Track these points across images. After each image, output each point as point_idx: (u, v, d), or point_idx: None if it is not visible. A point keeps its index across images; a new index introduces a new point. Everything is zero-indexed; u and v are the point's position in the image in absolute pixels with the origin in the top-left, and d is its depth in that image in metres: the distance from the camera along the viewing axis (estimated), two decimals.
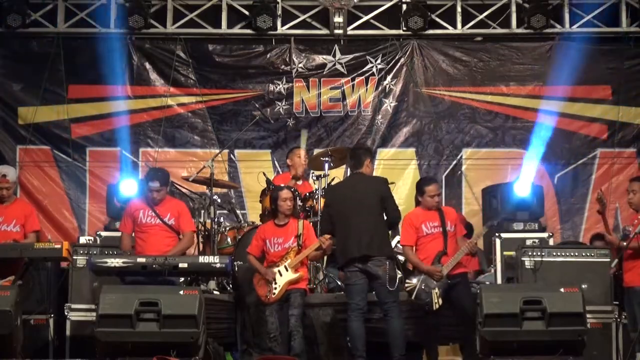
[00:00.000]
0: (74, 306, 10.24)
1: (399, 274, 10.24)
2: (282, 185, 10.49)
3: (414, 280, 9.71)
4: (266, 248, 9.78)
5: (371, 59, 13.65)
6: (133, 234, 10.05)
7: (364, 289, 9.37)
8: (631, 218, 10.33)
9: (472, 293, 9.82)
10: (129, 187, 11.45)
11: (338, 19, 13.39)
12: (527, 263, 10.19)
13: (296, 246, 9.70)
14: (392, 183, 11.22)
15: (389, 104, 13.65)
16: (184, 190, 12.08)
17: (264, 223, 11.02)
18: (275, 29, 13.46)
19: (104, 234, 11.22)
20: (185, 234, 10.01)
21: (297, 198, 10.95)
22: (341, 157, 11.47)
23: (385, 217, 9.53)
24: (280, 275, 9.62)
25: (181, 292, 8.79)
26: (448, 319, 9.82)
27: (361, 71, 13.66)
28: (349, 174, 9.89)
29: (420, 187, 10.08)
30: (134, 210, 10.06)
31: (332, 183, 10.70)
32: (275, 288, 9.61)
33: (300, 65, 13.66)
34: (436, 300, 9.62)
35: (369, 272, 9.32)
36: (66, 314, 10.21)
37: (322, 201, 10.54)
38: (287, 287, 9.62)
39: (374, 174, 12.75)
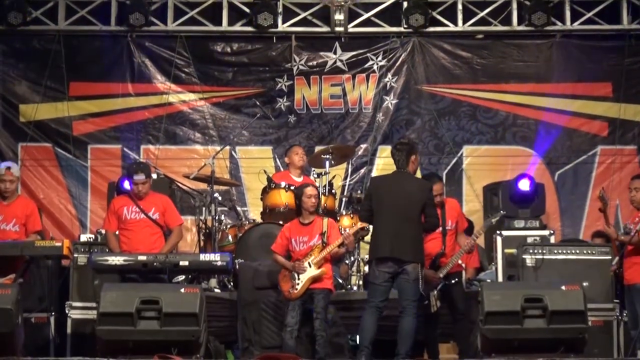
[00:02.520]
0: (74, 304, 10.25)
1: None
2: (307, 183, 10.42)
3: None
4: (291, 247, 9.70)
5: (372, 57, 13.65)
6: (117, 232, 10.05)
7: (387, 291, 9.25)
8: (632, 215, 10.31)
9: (465, 293, 9.89)
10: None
11: (339, 17, 13.39)
12: (528, 261, 10.20)
13: (320, 243, 9.64)
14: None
15: (390, 101, 13.64)
16: (185, 187, 12.07)
17: (264, 221, 11.05)
18: (276, 26, 13.45)
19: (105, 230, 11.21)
20: (174, 228, 10.03)
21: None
22: (342, 155, 11.45)
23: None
24: (305, 270, 9.61)
25: (182, 290, 8.78)
26: (448, 317, 9.81)
27: (362, 68, 13.66)
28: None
29: None
30: (118, 207, 10.07)
31: (377, 175, 10.53)
32: (298, 284, 9.56)
33: (301, 62, 13.65)
34: (434, 303, 9.63)
35: (396, 274, 9.17)
36: (67, 312, 10.21)
37: (323, 199, 10.53)
38: (311, 284, 9.59)
39: (374, 171, 12.88)
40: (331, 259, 9.67)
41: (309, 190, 9.79)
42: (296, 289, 9.61)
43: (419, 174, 10.37)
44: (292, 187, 11.03)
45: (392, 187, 9.39)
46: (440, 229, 9.79)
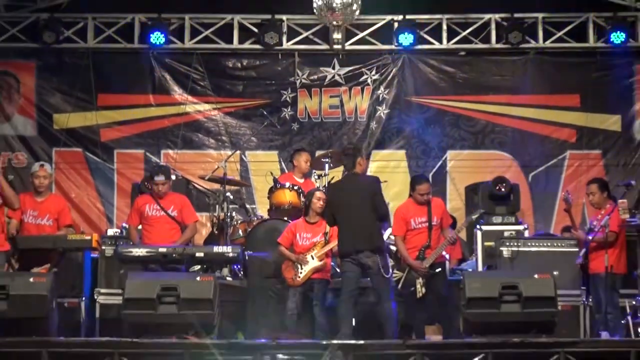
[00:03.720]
0: (102, 291, 10.30)
1: (390, 262, 10.28)
2: (317, 187, 10.61)
3: (401, 272, 9.80)
4: (295, 241, 9.79)
5: (366, 71, 13.64)
6: (140, 227, 10.07)
7: (356, 278, 9.34)
8: (595, 213, 10.40)
9: (448, 281, 9.92)
10: None
11: (337, 36, 13.39)
12: (504, 252, 10.25)
13: (323, 241, 9.72)
14: (385, 181, 11.26)
15: (382, 111, 13.64)
16: (200, 187, 12.10)
17: (271, 217, 11.07)
18: (281, 44, 13.45)
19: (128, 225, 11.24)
20: (189, 225, 10.06)
21: (300, 195, 10.99)
22: (339, 159, 11.46)
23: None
24: (307, 262, 9.64)
25: (198, 279, 8.79)
26: (432, 302, 9.82)
27: (357, 82, 13.65)
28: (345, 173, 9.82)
29: (413, 184, 10.12)
30: (140, 204, 10.13)
31: (332, 182, 10.69)
32: (301, 273, 9.66)
33: (304, 76, 13.65)
34: (420, 289, 9.67)
35: (361, 264, 9.29)
36: (96, 297, 10.27)
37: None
38: (312, 275, 9.65)
39: (369, 172, 12.86)
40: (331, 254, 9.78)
41: (319, 194, 9.91)
42: (299, 277, 9.67)
43: (406, 175, 10.42)
44: (296, 187, 11.10)
45: (345, 189, 9.55)
46: (427, 225, 9.86)
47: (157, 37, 13.23)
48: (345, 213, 9.42)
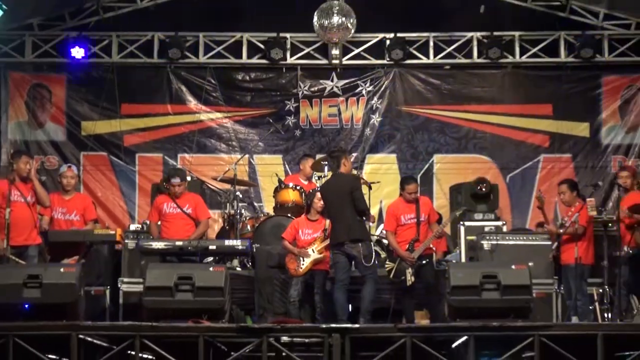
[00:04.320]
0: (125, 280, 10.29)
1: (383, 254, 10.31)
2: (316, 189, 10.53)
3: (393, 263, 9.80)
4: (297, 236, 9.81)
5: (361, 83, 13.64)
6: (159, 223, 10.08)
7: (345, 267, 9.33)
8: (566, 210, 10.41)
9: (435, 271, 9.90)
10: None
11: (335, 52, 13.40)
12: (485, 245, 10.22)
13: (323, 236, 9.73)
14: (378, 182, 11.29)
15: (376, 119, 13.64)
16: (213, 187, 12.09)
17: (276, 214, 11.07)
18: (285, 59, 13.45)
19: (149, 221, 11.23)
20: (202, 221, 10.06)
21: (302, 194, 10.99)
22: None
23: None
24: (308, 255, 9.64)
25: (211, 269, 8.76)
26: (420, 290, 9.84)
27: (353, 93, 13.64)
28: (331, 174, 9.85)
29: (402, 184, 10.12)
30: (159, 203, 10.13)
31: (323, 182, 10.68)
32: (303, 264, 9.67)
33: (305, 88, 13.64)
34: (409, 278, 9.67)
35: (347, 254, 9.29)
36: (119, 286, 10.26)
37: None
38: (313, 266, 9.65)
39: (364, 174, 12.88)
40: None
41: (319, 195, 9.90)
42: (301, 268, 9.68)
43: (397, 177, 10.39)
44: (298, 187, 11.11)
45: (330, 187, 9.61)
46: (416, 220, 9.86)
47: (174, 53, 13.23)
48: (331, 209, 9.50)
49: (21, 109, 13.42)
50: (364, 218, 9.51)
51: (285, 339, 8.21)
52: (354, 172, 10.64)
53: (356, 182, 9.55)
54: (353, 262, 9.35)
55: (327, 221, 9.77)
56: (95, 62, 13.42)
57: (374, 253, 9.32)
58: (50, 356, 8.07)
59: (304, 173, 11.63)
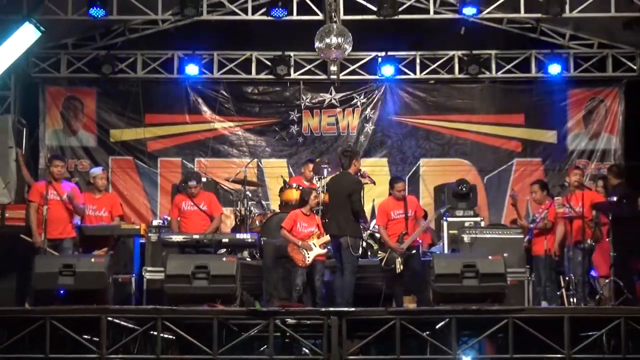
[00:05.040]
0: (148, 269, 10.25)
1: (375, 246, 10.31)
2: (312, 188, 10.58)
3: (384, 253, 9.80)
4: (295, 228, 9.80)
5: (357, 96, 13.62)
6: (178, 219, 10.07)
7: (339, 257, 9.35)
8: (537, 208, 10.40)
9: (421, 260, 9.88)
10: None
11: (333, 68, 13.37)
12: (465, 239, 10.20)
13: (317, 231, 9.75)
14: (373, 182, 11.25)
15: (369, 127, 13.62)
16: (225, 187, 12.07)
17: (281, 211, 11.06)
18: (290, 75, 13.42)
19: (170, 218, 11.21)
20: (216, 216, 10.06)
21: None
22: (336, 165, 11.42)
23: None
24: (312, 249, 9.64)
25: (224, 259, 8.80)
26: (408, 278, 9.83)
27: (349, 104, 13.61)
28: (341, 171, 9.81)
29: (391, 183, 10.18)
30: (178, 201, 10.16)
31: (331, 177, 10.63)
32: (309, 257, 9.66)
33: (307, 100, 13.63)
34: (398, 267, 9.68)
35: (337, 244, 9.31)
36: (143, 274, 10.23)
37: (322, 195, 10.53)
38: (315, 258, 9.65)
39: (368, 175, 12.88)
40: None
41: (315, 194, 9.94)
42: (308, 260, 9.67)
43: (388, 178, 10.37)
44: (301, 187, 11.09)
45: (334, 185, 9.63)
46: (404, 216, 9.86)
47: (191, 69, 13.21)
48: (331, 204, 9.53)
49: (57, 118, 13.40)
50: (360, 220, 9.49)
51: (290, 320, 8.20)
52: (362, 170, 10.60)
53: (356, 186, 9.53)
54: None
55: (318, 217, 9.82)
56: (122, 77, 13.39)
57: (360, 248, 9.31)
58: (83, 336, 8.06)
59: (305, 176, 11.63)
